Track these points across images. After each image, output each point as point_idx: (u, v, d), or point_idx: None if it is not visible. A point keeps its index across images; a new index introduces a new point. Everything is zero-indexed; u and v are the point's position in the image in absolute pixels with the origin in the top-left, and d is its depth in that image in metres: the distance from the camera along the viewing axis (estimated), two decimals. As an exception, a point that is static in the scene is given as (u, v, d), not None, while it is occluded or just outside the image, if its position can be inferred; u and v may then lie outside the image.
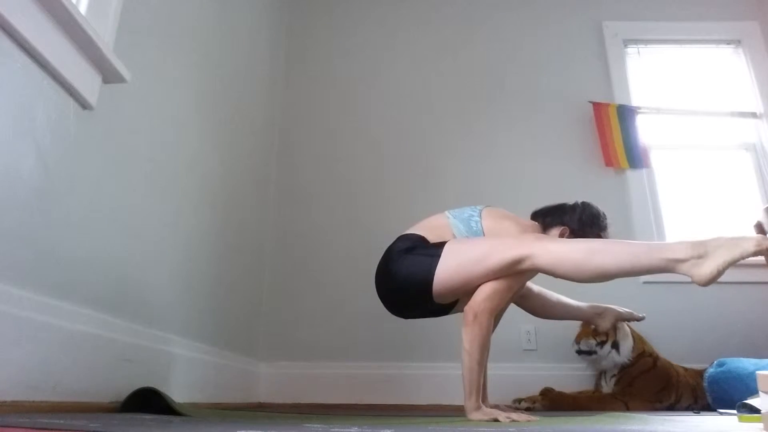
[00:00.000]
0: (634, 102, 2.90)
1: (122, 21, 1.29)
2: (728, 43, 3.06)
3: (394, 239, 1.55)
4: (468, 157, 2.82)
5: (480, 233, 1.50)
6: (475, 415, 1.25)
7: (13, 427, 0.65)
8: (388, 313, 1.59)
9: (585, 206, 1.68)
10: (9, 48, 0.95)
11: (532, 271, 1.36)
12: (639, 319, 1.87)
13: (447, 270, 1.37)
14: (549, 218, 1.66)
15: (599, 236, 1.64)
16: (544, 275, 1.35)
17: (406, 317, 1.56)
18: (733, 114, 2.92)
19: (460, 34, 3.08)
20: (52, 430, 0.64)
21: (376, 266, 2.58)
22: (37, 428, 0.65)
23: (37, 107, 1.02)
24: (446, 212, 1.59)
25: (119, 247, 1.30)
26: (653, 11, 3.09)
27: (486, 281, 1.34)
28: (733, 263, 1.12)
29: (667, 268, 1.18)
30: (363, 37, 3.09)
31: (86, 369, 1.12)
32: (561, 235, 1.62)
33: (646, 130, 2.85)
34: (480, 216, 1.54)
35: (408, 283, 1.41)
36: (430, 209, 2.69)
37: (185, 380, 1.61)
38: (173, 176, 1.60)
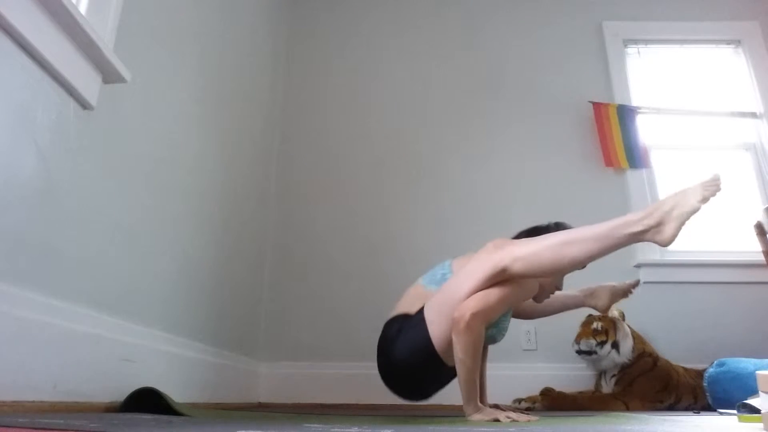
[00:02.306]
0: (634, 102, 2.90)
1: (122, 21, 1.29)
2: (728, 43, 3.06)
3: (382, 328, 1.49)
4: (468, 156, 2.82)
5: None
6: (475, 417, 1.24)
7: (13, 427, 0.65)
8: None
9: (557, 226, 1.67)
10: (9, 48, 0.95)
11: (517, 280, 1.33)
12: (635, 285, 1.82)
13: (438, 324, 1.32)
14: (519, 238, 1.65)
15: None
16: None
17: (430, 395, 1.47)
18: (733, 114, 2.92)
19: (460, 34, 3.08)
20: (52, 430, 0.64)
21: (375, 266, 2.60)
22: (37, 428, 0.65)
23: (37, 107, 1.02)
24: (419, 280, 1.55)
25: (119, 247, 1.30)
26: (653, 11, 3.09)
27: None
28: (689, 218, 1.21)
29: (632, 241, 1.23)
30: (363, 38, 3.09)
31: (86, 369, 1.12)
32: None
33: (646, 130, 2.86)
34: (451, 270, 1.51)
35: (414, 360, 1.35)
36: (430, 208, 2.71)
37: (185, 380, 1.61)
38: (173, 176, 1.60)
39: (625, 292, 1.82)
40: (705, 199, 1.21)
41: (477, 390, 1.27)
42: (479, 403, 1.28)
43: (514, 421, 1.16)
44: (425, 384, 1.41)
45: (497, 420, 1.18)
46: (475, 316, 1.25)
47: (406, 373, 1.39)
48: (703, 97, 2.99)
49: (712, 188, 1.23)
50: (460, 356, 1.26)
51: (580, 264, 1.26)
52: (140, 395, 1.22)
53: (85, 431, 0.64)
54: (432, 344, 1.32)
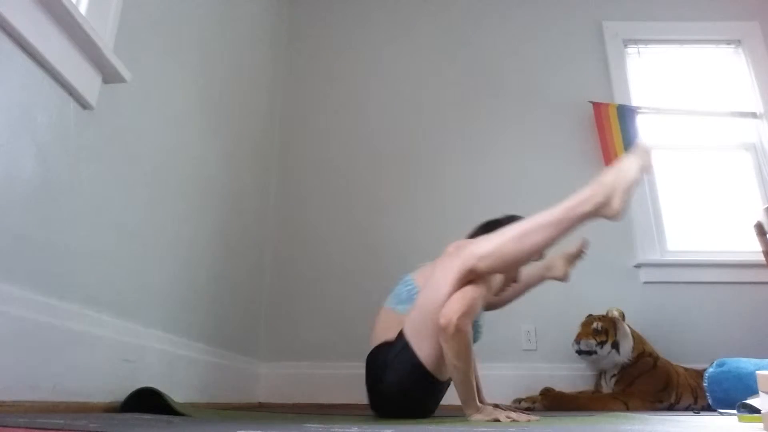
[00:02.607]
0: (634, 102, 2.90)
1: (122, 21, 1.29)
2: (728, 43, 3.06)
3: (365, 364, 1.46)
4: (468, 156, 2.82)
5: None
6: (476, 417, 1.23)
7: (13, 427, 0.65)
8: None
9: (510, 219, 1.63)
10: (9, 48, 0.95)
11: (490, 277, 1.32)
12: (584, 245, 1.86)
13: (423, 342, 1.30)
14: (471, 237, 1.63)
15: None
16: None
17: (433, 412, 1.46)
18: (733, 114, 2.92)
19: (460, 33, 3.09)
20: (51, 430, 0.64)
21: (375, 266, 2.60)
22: (36, 428, 0.65)
23: (37, 107, 1.02)
24: (386, 304, 1.52)
25: (119, 247, 1.30)
26: (653, 11, 3.09)
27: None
28: (633, 188, 1.26)
29: (585, 220, 1.27)
30: (363, 37, 3.09)
31: (86, 369, 1.12)
32: None
33: (646, 130, 2.86)
34: (414, 284, 1.49)
35: (409, 386, 1.33)
36: (429, 208, 2.71)
37: (185, 380, 1.61)
38: (173, 176, 1.60)
39: (577, 254, 1.88)
40: (644, 167, 1.28)
41: (474, 390, 1.26)
42: (479, 403, 1.27)
43: (514, 420, 1.16)
44: (425, 404, 1.38)
45: (497, 420, 1.17)
46: (462, 317, 1.22)
47: (404, 402, 1.35)
48: (703, 97, 2.99)
49: (644, 156, 1.30)
50: (454, 362, 1.24)
51: (542, 250, 1.29)
52: (140, 395, 1.22)
53: (85, 431, 0.64)
54: (423, 365, 1.30)
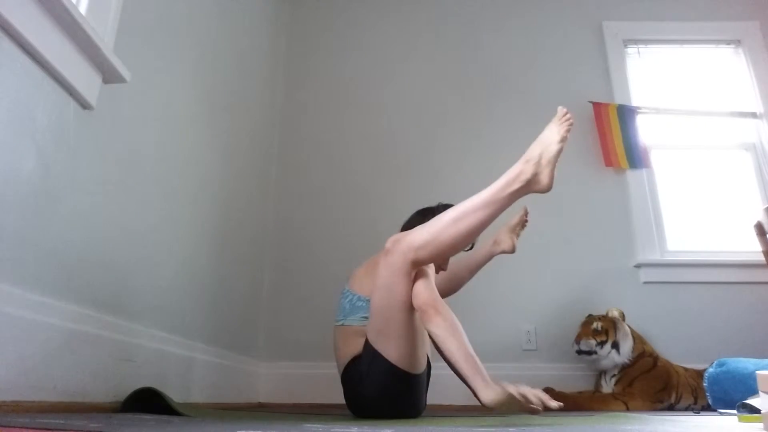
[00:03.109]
0: (634, 102, 2.90)
1: (122, 21, 1.29)
2: (728, 43, 3.06)
3: (342, 382, 1.45)
4: (467, 156, 2.82)
5: (366, 304, 1.43)
6: (487, 395, 1.14)
7: (13, 426, 0.65)
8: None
9: (444, 207, 1.66)
10: (9, 48, 0.95)
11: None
12: (525, 214, 1.92)
13: (390, 344, 1.29)
14: (412, 224, 1.62)
15: None
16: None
17: (423, 408, 1.45)
18: (733, 114, 2.92)
19: (459, 34, 3.08)
20: (52, 429, 0.64)
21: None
22: (37, 428, 0.65)
23: (37, 107, 1.02)
24: (336, 324, 1.52)
25: (119, 247, 1.30)
26: (653, 11, 3.09)
27: (412, 312, 1.28)
28: (557, 158, 1.29)
29: (516, 197, 1.30)
30: (363, 37, 3.09)
31: (86, 369, 1.12)
32: None
33: (646, 130, 2.86)
34: (352, 291, 1.50)
35: (390, 391, 1.32)
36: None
37: (185, 380, 1.61)
38: (173, 176, 1.60)
39: (520, 223, 1.92)
40: (563, 138, 1.29)
41: (477, 363, 1.19)
42: (487, 378, 1.18)
43: (526, 401, 1.11)
44: (412, 403, 1.37)
45: (511, 397, 1.11)
46: (437, 299, 1.25)
47: (390, 408, 1.34)
48: (703, 97, 2.99)
49: (565, 124, 1.31)
50: (449, 342, 1.20)
51: (477, 233, 1.29)
52: (140, 395, 1.22)
53: (85, 431, 0.64)
54: (396, 366, 1.29)
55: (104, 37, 1.21)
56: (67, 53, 1.08)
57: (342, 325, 1.49)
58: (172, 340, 1.55)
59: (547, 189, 1.30)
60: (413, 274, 1.28)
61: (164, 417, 1.04)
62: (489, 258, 1.93)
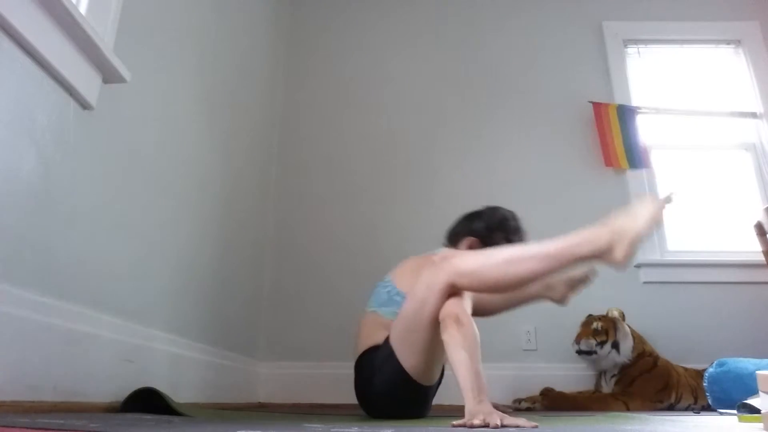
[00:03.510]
0: (634, 102, 2.90)
1: (122, 21, 1.29)
2: (728, 43, 3.06)
3: (354, 370, 1.46)
4: (468, 156, 2.82)
5: (402, 301, 1.40)
6: (477, 409, 1.06)
7: (13, 426, 0.65)
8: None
9: (492, 211, 1.63)
10: (9, 48, 0.95)
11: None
12: (591, 275, 1.72)
13: (407, 354, 1.28)
14: (457, 231, 1.61)
15: (508, 240, 1.60)
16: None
17: (427, 413, 1.44)
18: (733, 114, 2.92)
19: (460, 34, 3.08)
20: (52, 430, 0.64)
21: (376, 266, 2.59)
22: (37, 428, 0.65)
23: (37, 107, 1.02)
24: (368, 308, 1.52)
25: (119, 247, 1.30)
26: (653, 11, 3.09)
27: (437, 330, 1.23)
28: (641, 241, 1.14)
29: (581, 263, 1.18)
30: (363, 37, 3.09)
31: (86, 369, 1.11)
32: (470, 247, 1.57)
33: (646, 130, 2.86)
34: (393, 284, 1.48)
35: (397, 393, 1.32)
36: (430, 208, 2.71)
37: (185, 380, 1.61)
38: (173, 176, 1.60)
39: (581, 281, 1.74)
40: (654, 219, 1.16)
41: (480, 381, 1.12)
42: (483, 398, 1.10)
43: (504, 426, 1.00)
44: (415, 408, 1.38)
45: (486, 425, 1.00)
46: (463, 312, 1.20)
47: (394, 406, 1.35)
48: (703, 97, 2.99)
49: (660, 207, 1.19)
50: (455, 349, 1.16)
51: (524, 284, 1.22)
52: (140, 395, 1.22)
53: (85, 431, 0.64)
54: (407, 373, 1.29)
55: (104, 37, 1.21)
56: (67, 53, 1.08)
57: (374, 312, 1.48)
58: (172, 339, 1.55)
59: (620, 266, 1.15)
60: (449, 294, 1.24)
61: (164, 417, 1.04)
62: (534, 300, 1.77)
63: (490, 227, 1.60)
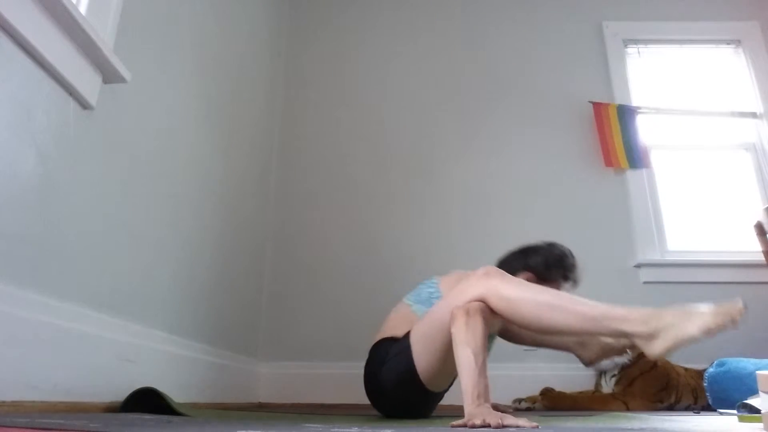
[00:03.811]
0: (634, 102, 2.90)
1: (122, 21, 1.29)
2: (728, 43, 3.06)
3: (368, 356, 1.46)
4: (468, 157, 2.82)
5: None
6: (469, 413, 1.06)
7: (13, 426, 0.65)
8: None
9: (550, 247, 1.61)
10: (9, 48, 0.95)
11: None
12: (627, 353, 1.63)
13: (423, 353, 1.29)
14: (512, 264, 1.60)
15: (566, 277, 1.59)
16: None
17: (424, 416, 1.44)
18: (733, 114, 2.92)
19: (460, 34, 3.08)
20: (52, 429, 0.64)
21: (376, 266, 2.60)
22: (37, 428, 0.65)
23: (37, 107, 1.02)
24: (405, 299, 1.53)
25: (119, 247, 1.30)
26: (653, 11, 3.09)
27: None
28: (684, 344, 1.09)
29: (617, 336, 1.17)
30: (363, 37, 3.09)
31: (86, 369, 1.12)
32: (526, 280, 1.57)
33: (646, 130, 2.86)
34: (438, 289, 1.48)
35: (401, 387, 1.33)
36: (430, 208, 2.71)
37: (185, 380, 1.61)
38: (173, 176, 1.60)
39: (616, 352, 1.65)
40: (708, 331, 1.07)
41: (482, 385, 1.12)
42: (482, 400, 1.10)
43: (504, 426, 1.00)
44: (416, 408, 1.38)
45: (487, 425, 1.00)
46: (476, 311, 1.19)
47: (396, 400, 1.36)
48: (703, 97, 2.99)
49: (723, 321, 1.08)
50: (464, 339, 1.15)
51: (554, 333, 1.22)
52: (140, 395, 1.22)
53: (85, 431, 0.64)
54: (417, 372, 1.30)
55: (104, 37, 1.21)
56: (67, 53, 1.08)
57: (408, 305, 1.49)
58: (172, 340, 1.55)
59: (652, 356, 1.13)
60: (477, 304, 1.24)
61: (164, 417, 1.04)
62: (561, 350, 1.72)
63: (548, 263, 1.58)
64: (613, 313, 1.15)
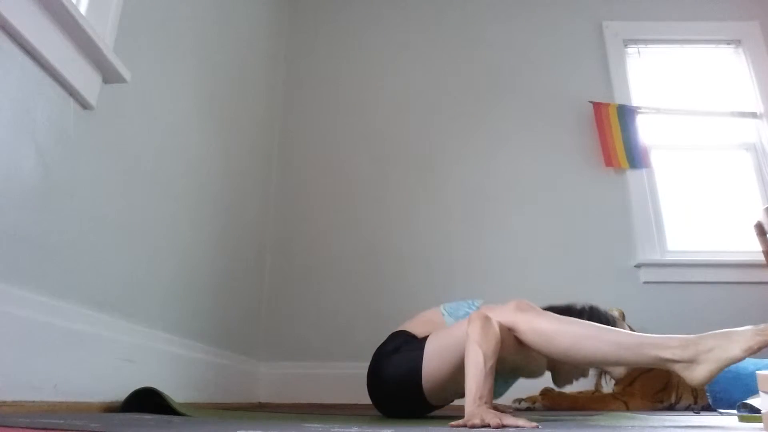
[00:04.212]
0: (635, 102, 2.90)
1: (122, 21, 1.29)
2: (728, 43, 3.06)
3: (385, 338, 1.49)
4: (468, 157, 2.82)
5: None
6: (469, 414, 1.06)
7: (14, 426, 0.65)
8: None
9: (593, 311, 1.60)
10: (9, 48, 0.95)
11: None
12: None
13: (434, 363, 1.30)
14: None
15: None
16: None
17: (404, 417, 1.44)
18: (733, 114, 2.92)
19: (460, 34, 3.08)
20: (52, 429, 0.64)
21: (376, 266, 2.60)
22: (37, 428, 0.65)
23: (37, 107, 1.02)
24: (441, 307, 1.53)
25: (119, 247, 1.30)
26: (653, 11, 3.09)
27: None
28: (727, 365, 1.08)
29: (656, 365, 1.14)
30: (363, 38, 3.09)
31: (86, 369, 1.12)
32: None
33: (646, 130, 2.86)
34: (476, 309, 1.48)
35: (400, 384, 1.34)
36: (430, 208, 2.71)
37: (185, 380, 1.61)
38: (173, 176, 1.60)
39: (645, 372, 1.64)
40: (750, 350, 1.05)
41: (484, 384, 1.10)
42: (482, 402, 1.08)
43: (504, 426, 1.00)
44: (403, 406, 1.39)
45: (486, 425, 1.00)
46: (494, 318, 1.20)
47: (388, 392, 1.38)
48: (703, 97, 2.99)
49: (765, 338, 1.06)
50: (478, 339, 1.14)
51: (587, 363, 1.20)
52: (140, 395, 1.22)
53: (85, 431, 0.64)
54: (420, 377, 1.30)
55: (104, 37, 1.21)
56: (67, 53, 1.08)
57: (442, 313, 1.51)
58: (173, 339, 1.55)
59: (697, 384, 1.09)
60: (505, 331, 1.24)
61: (164, 417, 1.04)
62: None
63: None
64: (650, 340, 1.13)
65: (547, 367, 1.49)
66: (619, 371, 1.67)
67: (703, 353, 1.08)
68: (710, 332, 1.10)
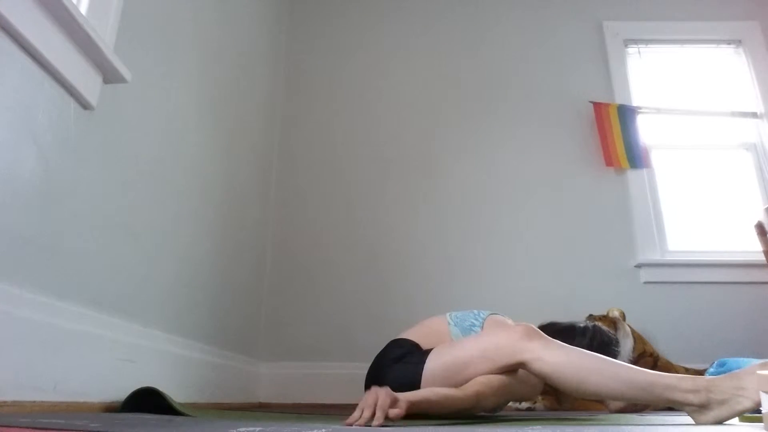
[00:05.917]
0: (635, 102, 2.90)
1: (122, 21, 1.29)
2: (729, 43, 3.06)
3: (387, 343, 1.49)
4: (468, 157, 2.82)
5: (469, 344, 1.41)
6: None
7: (14, 426, 0.65)
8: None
9: (596, 331, 1.60)
10: (9, 48, 0.95)
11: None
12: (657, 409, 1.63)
13: (428, 379, 1.31)
14: (557, 338, 1.63)
15: None
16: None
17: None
18: (733, 114, 2.92)
19: (460, 34, 3.09)
20: (52, 429, 0.64)
21: (376, 266, 2.60)
22: (37, 428, 0.65)
23: (38, 107, 1.02)
24: (447, 316, 1.54)
25: (119, 247, 1.30)
26: (653, 11, 3.09)
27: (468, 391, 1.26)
28: (740, 415, 1.07)
29: (666, 405, 1.13)
30: (364, 38, 3.09)
31: (86, 369, 1.12)
32: None
33: (646, 130, 2.86)
34: (482, 326, 1.48)
35: (396, 389, 1.37)
36: (430, 208, 2.71)
37: (185, 380, 1.61)
38: (174, 176, 1.60)
39: (647, 408, 1.66)
40: (758, 407, 1.00)
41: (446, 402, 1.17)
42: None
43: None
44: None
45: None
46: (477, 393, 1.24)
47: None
48: (703, 97, 2.99)
49: None
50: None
51: (597, 398, 1.20)
52: (140, 395, 1.22)
53: (85, 431, 0.64)
54: (419, 386, 1.31)
55: (105, 37, 1.21)
56: (67, 53, 1.08)
57: (447, 323, 1.51)
58: (172, 339, 1.55)
59: (702, 425, 1.07)
60: (507, 369, 1.27)
61: (165, 417, 1.04)
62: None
63: (592, 348, 1.55)
64: (661, 381, 1.11)
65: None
66: (618, 404, 1.66)
67: (715, 402, 1.06)
68: (722, 375, 1.08)
